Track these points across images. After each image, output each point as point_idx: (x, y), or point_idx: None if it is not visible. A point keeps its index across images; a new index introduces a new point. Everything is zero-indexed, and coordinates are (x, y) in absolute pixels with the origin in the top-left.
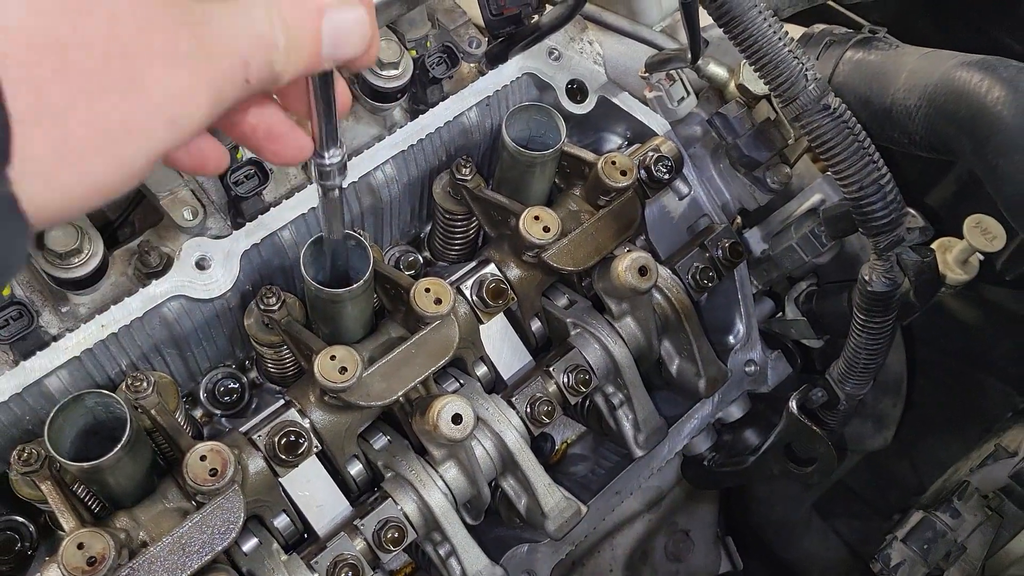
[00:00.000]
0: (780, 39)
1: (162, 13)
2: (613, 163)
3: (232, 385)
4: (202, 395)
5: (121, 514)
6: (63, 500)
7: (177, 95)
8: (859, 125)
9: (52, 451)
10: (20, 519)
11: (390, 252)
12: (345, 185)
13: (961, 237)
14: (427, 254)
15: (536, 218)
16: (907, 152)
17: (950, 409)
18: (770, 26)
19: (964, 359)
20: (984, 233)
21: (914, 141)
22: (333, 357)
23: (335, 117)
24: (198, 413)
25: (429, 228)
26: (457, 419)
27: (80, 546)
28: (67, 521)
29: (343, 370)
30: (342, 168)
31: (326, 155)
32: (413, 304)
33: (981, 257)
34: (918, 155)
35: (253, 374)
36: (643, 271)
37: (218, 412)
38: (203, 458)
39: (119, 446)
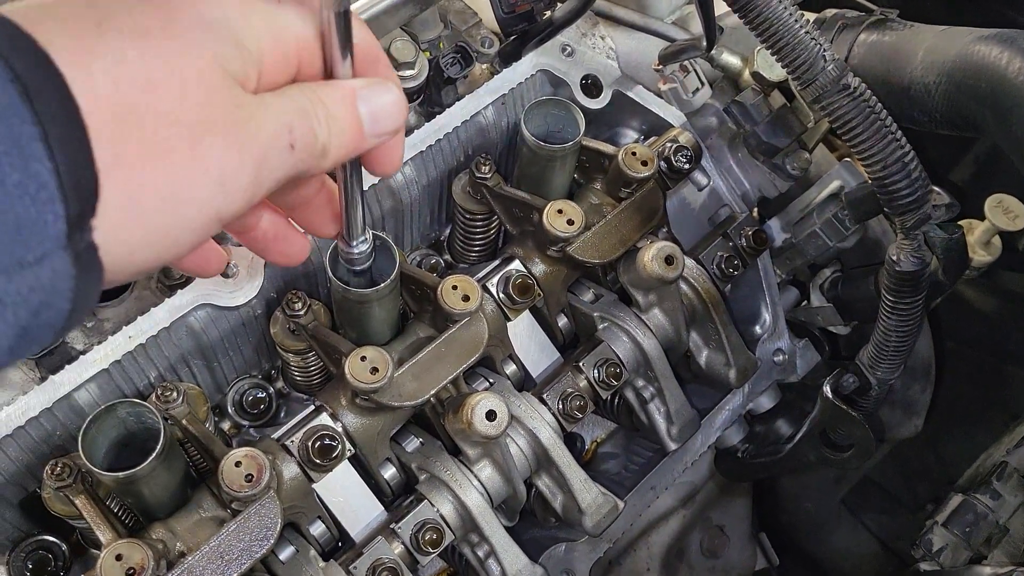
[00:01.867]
0: (796, 21)
1: (222, 91)
2: (633, 154)
3: (260, 395)
4: (229, 406)
5: (157, 525)
6: (98, 513)
7: (229, 163)
8: (880, 104)
9: (87, 462)
10: (52, 538)
11: (411, 256)
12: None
13: (983, 218)
14: (448, 257)
15: (560, 211)
16: (927, 132)
17: (974, 400)
18: (785, 8)
19: (986, 349)
20: (1006, 212)
21: (935, 119)
22: (364, 358)
23: (364, 209)
24: (226, 425)
25: (448, 231)
26: (491, 415)
27: (119, 557)
28: (103, 534)
29: (374, 370)
30: (368, 255)
31: (354, 245)
32: (441, 302)
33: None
34: (935, 138)
35: (279, 384)
36: (669, 260)
37: (246, 423)
38: (238, 464)
39: (155, 453)
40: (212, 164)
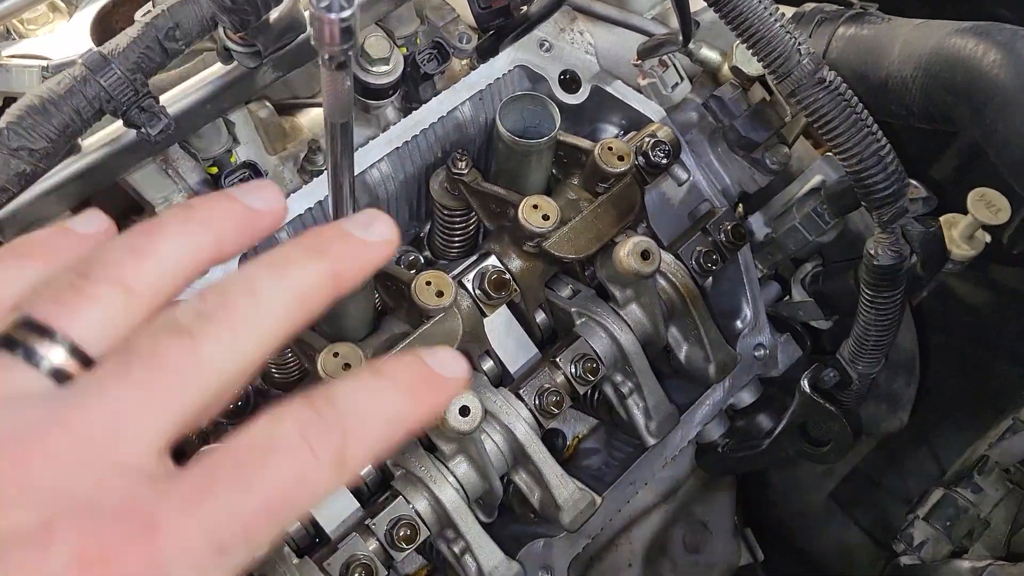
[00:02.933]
0: (771, 15)
1: None
2: (610, 148)
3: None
4: None
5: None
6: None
7: None
8: (856, 98)
9: None
10: None
11: None
12: None
13: (965, 212)
14: (428, 253)
15: (535, 207)
16: (906, 126)
17: (963, 392)
18: (760, 1)
19: (973, 342)
20: (988, 206)
21: (912, 113)
22: (336, 354)
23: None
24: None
25: (428, 227)
26: (465, 411)
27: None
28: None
29: (346, 367)
30: None
31: None
32: (415, 298)
33: (987, 239)
34: (917, 132)
35: (257, 381)
36: (645, 255)
37: (224, 420)
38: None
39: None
40: None
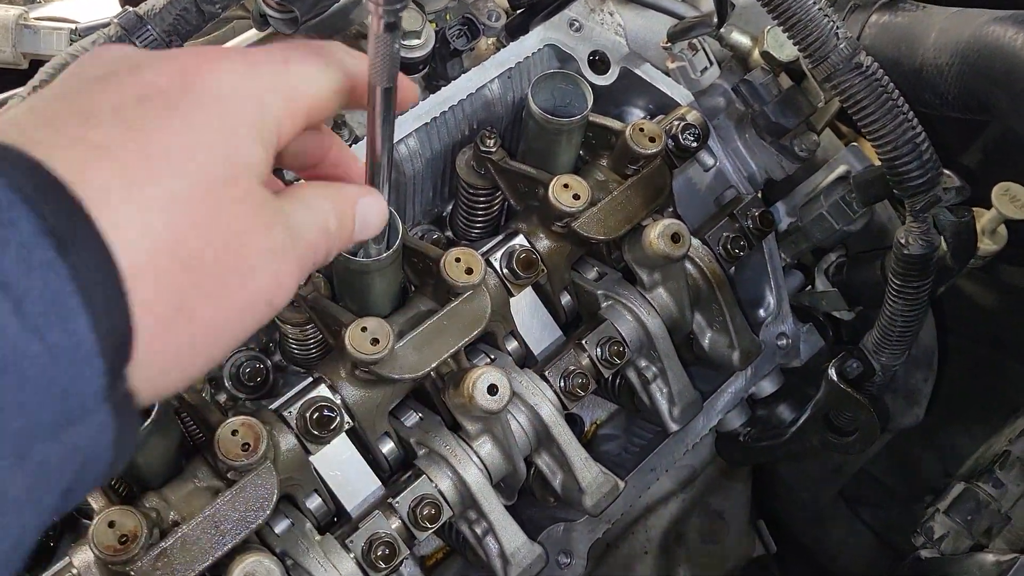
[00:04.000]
0: None
1: (260, 214)
2: (641, 130)
3: (257, 366)
4: (226, 378)
5: (150, 495)
6: None
7: (276, 282)
8: (892, 84)
9: None
10: None
11: (412, 232)
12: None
13: (989, 207)
14: (449, 232)
15: (566, 186)
16: (937, 117)
17: (973, 394)
18: None
19: (987, 343)
20: (1013, 200)
21: (947, 101)
22: (364, 329)
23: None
24: (222, 397)
25: (451, 207)
26: (493, 389)
27: (111, 524)
28: (96, 501)
29: (375, 341)
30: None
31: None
32: (443, 274)
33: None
34: (944, 123)
35: (276, 357)
36: (676, 238)
37: (243, 396)
38: (234, 432)
39: (148, 421)
40: (263, 286)
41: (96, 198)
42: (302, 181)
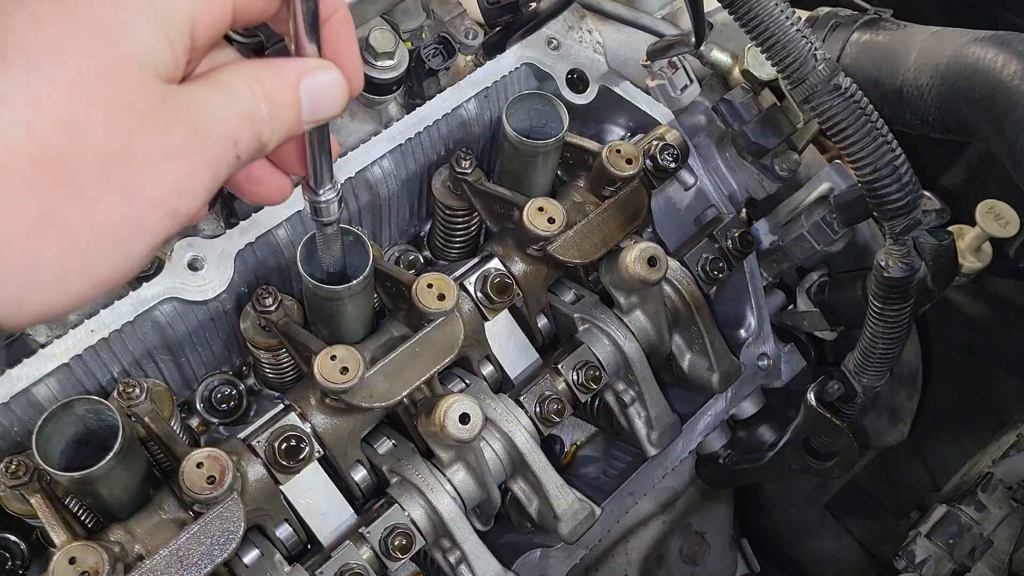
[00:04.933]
0: (787, 18)
1: (155, 111)
2: (618, 151)
3: (229, 391)
4: (198, 403)
5: (115, 527)
6: (54, 514)
7: (175, 188)
8: (871, 106)
9: (40, 461)
10: (11, 537)
11: (389, 252)
12: (337, 218)
13: (973, 224)
14: (427, 253)
15: (540, 209)
16: (919, 135)
17: (961, 406)
18: (776, 4)
19: (974, 355)
20: (997, 219)
21: (927, 122)
22: (334, 357)
23: (329, 156)
24: (195, 422)
25: (429, 227)
26: (465, 419)
27: (72, 560)
28: (58, 535)
29: (344, 370)
30: (337, 203)
31: (320, 192)
32: (415, 300)
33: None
34: (927, 142)
35: (250, 380)
36: (652, 261)
37: (215, 420)
38: (200, 465)
39: (111, 454)
40: (157, 193)
41: None
42: (230, 62)
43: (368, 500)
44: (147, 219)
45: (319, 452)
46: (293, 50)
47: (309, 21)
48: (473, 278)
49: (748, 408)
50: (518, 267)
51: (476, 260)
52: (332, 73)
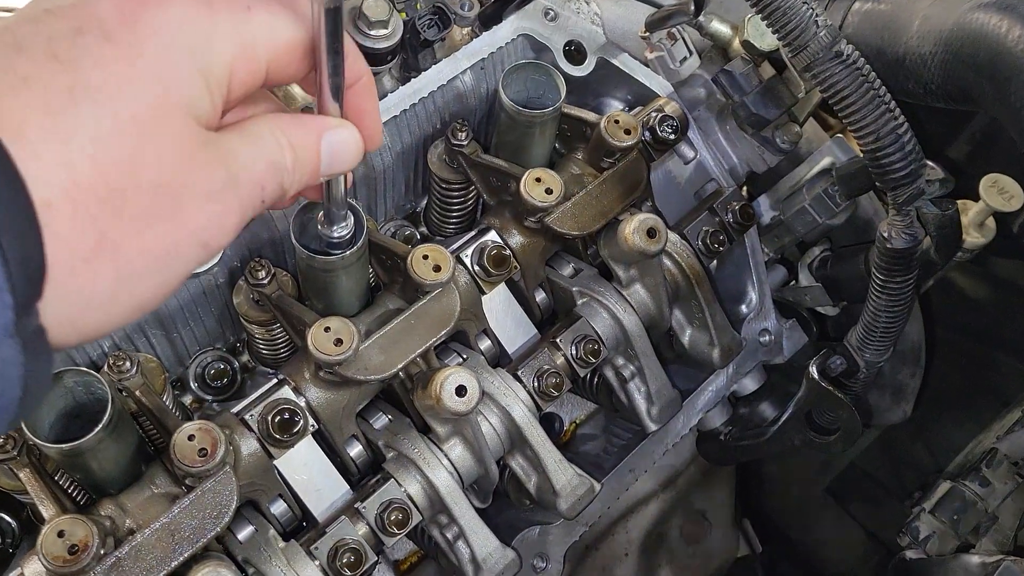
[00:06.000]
0: None
1: (198, 153)
2: (616, 122)
3: (223, 367)
4: (191, 380)
5: (106, 501)
6: (43, 488)
7: (211, 223)
8: (873, 73)
9: (29, 434)
10: (2, 514)
11: (385, 227)
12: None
13: (977, 199)
14: (424, 229)
15: (538, 180)
16: (922, 108)
17: (963, 388)
18: None
19: (976, 337)
20: (1001, 192)
21: (930, 91)
22: (328, 329)
23: (344, 198)
24: (188, 399)
25: (425, 202)
26: (461, 391)
27: (60, 534)
28: (47, 509)
29: (339, 342)
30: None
31: (334, 230)
32: (411, 272)
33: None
34: (930, 114)
35: (245, 357)
36: (651, 232)
37: (209, 397)
38: (191, 438)
39: (100, 425)
40: (195, 227)
41: (13, 130)
42: (259, 114)
43: (364, 475)
44: (186, 249)
45: (313, 426)
46: (316, 109)
47: (333, 88)
48: (470, 251)
49: (749, 385)
50: (515, 239)
51: (472, 233)
52: (351, 131)
